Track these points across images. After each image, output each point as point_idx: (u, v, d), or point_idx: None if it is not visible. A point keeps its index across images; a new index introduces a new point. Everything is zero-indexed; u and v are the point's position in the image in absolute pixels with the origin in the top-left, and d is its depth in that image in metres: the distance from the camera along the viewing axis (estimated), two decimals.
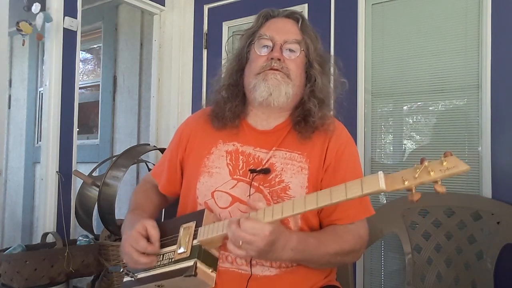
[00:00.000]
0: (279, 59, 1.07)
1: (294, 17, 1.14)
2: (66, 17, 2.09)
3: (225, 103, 1.12)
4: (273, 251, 0.88)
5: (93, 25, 3.18)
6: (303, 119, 1.09)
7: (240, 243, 0.85)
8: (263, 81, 1.06)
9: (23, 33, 1.95)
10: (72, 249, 1.83)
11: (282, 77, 1.06)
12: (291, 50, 1.09)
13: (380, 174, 0.77)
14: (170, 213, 1.50)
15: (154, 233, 0.98)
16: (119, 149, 2.92)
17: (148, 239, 0.98)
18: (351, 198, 0.79)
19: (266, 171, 1.05)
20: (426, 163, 0.73)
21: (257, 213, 0.87)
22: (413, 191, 0.74)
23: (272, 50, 1.09)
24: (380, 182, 0.76)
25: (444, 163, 0.71)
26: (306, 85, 1.12)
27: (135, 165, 2.69)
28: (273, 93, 1.06)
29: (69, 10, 2.12)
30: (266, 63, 1.08)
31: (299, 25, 1.13)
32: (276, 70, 1.06)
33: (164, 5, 2.60)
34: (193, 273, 0.91)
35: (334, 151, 1.09)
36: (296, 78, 1.09)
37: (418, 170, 0.73)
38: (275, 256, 0.91)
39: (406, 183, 0.74)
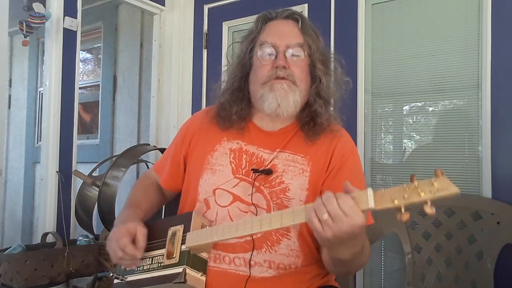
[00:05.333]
0: (284, 67, 1.05)
1: (294, 17, 1.12)
2: (66, 17, 2.09)
3: (231, 106, 1.12)
4: (344, 242, 0.81)
5: (93, 25, 3.18)
6: (312, 120, 1.08)
7: (325, 217, 0.77)
8: (270, 92, 1.05)
9: (25, 33, 1.95)
10: (72, 249, 1.83)
11: (289, 85, 1.05)
12: (294, 55, 1.08)
13: (369, 191, 0.75)
14: (171, 210, 1.50)
15: (142, 241, 0.99)
16: (119, 149, 2.92)
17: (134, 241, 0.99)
18: None
19: (268, 172, 1.05)
20: (416, 183, 0.71)
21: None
22: (402, 210, 0.72)
23: (276, 57, 1.07)
24: (369, 200, 0.75)
25: (435, 184, 0.70)
26: (311, 86, 1.11)
27: (135, 165, 2.69)
28: (281, 103, 1.05)
29: (69, 10, 2.11)
30: (271, 72, 1.06)
31: (299, 25, 1.11)
32: (282, 78, 1.05)
33: (164, 5, 2.60)
34: (183, 280, 0.92)
35: (340, 155, 1.09)
36: (302, 83, 1.08)
37: (408, 190, 0.72)
38: (340, 247, 0.83)
39: (395, 202, 0.72)
